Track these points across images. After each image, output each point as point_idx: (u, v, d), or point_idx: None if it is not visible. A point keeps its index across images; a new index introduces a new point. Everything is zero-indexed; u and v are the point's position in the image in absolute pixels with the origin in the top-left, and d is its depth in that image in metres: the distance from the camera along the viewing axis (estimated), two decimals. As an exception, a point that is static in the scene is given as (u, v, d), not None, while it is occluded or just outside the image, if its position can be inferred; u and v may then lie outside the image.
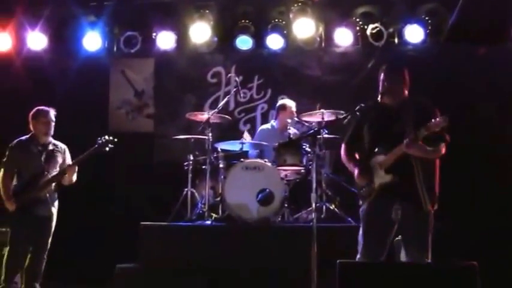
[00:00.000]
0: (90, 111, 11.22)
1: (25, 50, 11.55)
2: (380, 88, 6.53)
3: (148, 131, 11.86)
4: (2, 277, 8.45)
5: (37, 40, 11.43)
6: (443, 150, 6.30)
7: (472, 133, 9.74)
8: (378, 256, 6.24)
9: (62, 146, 8.82)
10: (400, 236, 6.42)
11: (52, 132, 8.74)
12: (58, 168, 8.65)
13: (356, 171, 6.48)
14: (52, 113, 8.74)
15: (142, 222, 9.03)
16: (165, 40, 11.54)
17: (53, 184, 8.60)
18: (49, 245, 8.58)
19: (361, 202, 6.56)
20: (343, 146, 6.81)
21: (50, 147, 8.73)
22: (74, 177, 8.71)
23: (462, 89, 10.37)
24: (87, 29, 11.39)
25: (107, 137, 8.66)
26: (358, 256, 6.35)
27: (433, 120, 6.01)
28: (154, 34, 11.57)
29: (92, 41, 11.44)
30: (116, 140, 8.67)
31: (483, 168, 10.18)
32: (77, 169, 8.65)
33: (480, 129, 10.05)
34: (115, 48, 11.76)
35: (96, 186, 10.99)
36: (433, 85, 10.13)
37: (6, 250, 8.52)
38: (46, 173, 8.53)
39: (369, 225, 6.40)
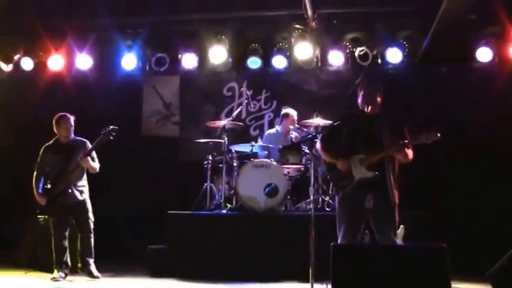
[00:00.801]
0: (126, 118, 11.20)
1: (74, 69, 11.58)
2: (360, 100, 6.51)
3: (175, 136, 11.84)
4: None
5: (84, 61, 11.46)
6: (411, 157, 6.30)
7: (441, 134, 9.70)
8: (355, 239, 6.25)
9: (82, 140, 8.69)
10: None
11: (71, 134, 8.66)
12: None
13: (338, 161, 6.41)
14: (72, 119, 8.67)
15: (169, 211, 9.06)
16: (189, 61, 11.53)
17: (76, 175, 8.52)
18: (92, 225, 8.54)
19: (333, 191, 6.56)
20: (319, 141, 6.80)
21: (70, 145, 8.64)
22: (95, 165, 8.57)
23: (432, 101, 10.35)
24: (125, 51, 11.43)
25: (111, 127, 8.49)
26: (339, 242, 6.29)
27: (423, 134, 6.03)
28: (180, 56, 11.58)
29: (129, 61, 11.48)
30: (115, 127, 8.47)
31: (449, 166, 10.19)
32: (90, 159, 8.49)
33: (445, 133, 10.01)
34: (147, 67, 11.78)
35: (131, 181, 11.00)
36: (409, 97, 10.14)
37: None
38: (67, 168, 8.46)
39: (346, 214, 6.37)
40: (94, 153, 8.60)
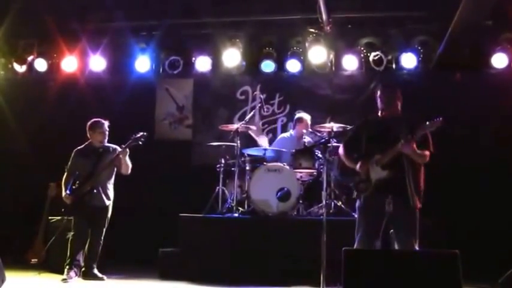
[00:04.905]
0: (140, 121, 11.24)
1: (88, 71, 11.67)
2: (378, 104, 6.54)
3: (188, 139, 11.86)
4: (68, 256, 8.55)
5: (98, 63, 11.55)
6: (428, 158, 6.30)
7: (452, 143, 9.70)
8: (373, 244, 6.26)
9: (113, 147, 8.88)
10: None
11: (106, 139, 8.89)
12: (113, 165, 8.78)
13: (358, 163, 6.45)
14: (106, 124, 8.88)
15: (181, 214, 9.11)
16: (203, 64, 11.59)
17: (105, 177, 8.72)
18: (104, 232, 8.70)
19: (355, 195, 6.57)
20: (342, 146, 6.82)
21: (102, 150, 8.84)
22: (128, 163, 8.78)
23: (446, 107, 10.29)
24: (139, 54, 11.50)
25: (140, 133, 8.74)
26: (355, 245, 6.34)
27: (427, 122, 6.02)
28: (193, 59, 11.64)
29: (142, 63, 11.54)
30: (145, 134, 8.77)
31: (461, 172, 10.21)
32: (126, 158, 8.72)
33: (458, 139, 10.03)
34: (161, 70, 11.83)
35: (143, 183, 11.03)
36: (423, 103, 10.08)
37: (70, 234, 8.67)
38: (97, 170, 8.64)
39: (365, 217, 6.39)
40: None
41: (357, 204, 6.54)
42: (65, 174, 8.80)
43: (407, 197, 6.12)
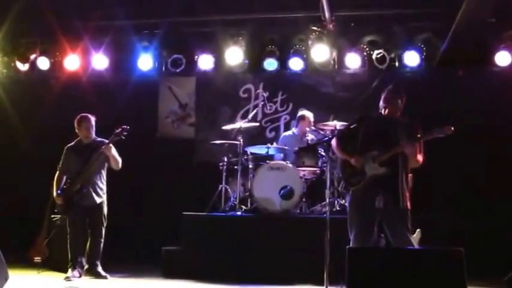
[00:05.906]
0: (143, 119, 11.26)
1: (90, 69, 11.66)
2: (381, 102, 6.55)
3: (190, 137, 11.84)
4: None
5: (100, 61, 11.54)
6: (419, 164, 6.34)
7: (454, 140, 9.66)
8: (368, 242, 6.27)
9: (103, 142, 8.68)
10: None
11: (93, 134, 8.76)
12: (101, 161, 8.69)
13: (353, 158, 6.47)
14: (93, 119, 8.76)
15: (184, 212, 9.09)
16: (205, 62, 11.58)
17: (94, 173, 8.61)
18: (104, 229, 8.65)
19: (343, 187, 6.57)
20: (335, 139, 6.86)
21: (92, 146, 8.69)
22: (118, 158, 8.67)
23: (450, 105, 10.27)
24: (141, 52, 11.47)
25: (123, 126, 8.57)
26: (351, 244, 6.30)
27: (437, 129, 6.04)
28: (196, 57, 11.63)
29: (145, 62, 11.52)
30: (127, 127, 8.54)
31: (465, 169, 10.17)
32: (112, 153, 8.60)
33: (461, 137, 9.99)
34: (163, 68, 11.82)
35: (146, 181, 11.02)
36: (426, 101, 10.09)
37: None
38: (85, 167, 8.53)
39: (356, 214, 6.43)
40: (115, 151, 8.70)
41: (347, 199, 6.56)
42: (57, 172, 8.71)
43: (398, 196, 6.20)
